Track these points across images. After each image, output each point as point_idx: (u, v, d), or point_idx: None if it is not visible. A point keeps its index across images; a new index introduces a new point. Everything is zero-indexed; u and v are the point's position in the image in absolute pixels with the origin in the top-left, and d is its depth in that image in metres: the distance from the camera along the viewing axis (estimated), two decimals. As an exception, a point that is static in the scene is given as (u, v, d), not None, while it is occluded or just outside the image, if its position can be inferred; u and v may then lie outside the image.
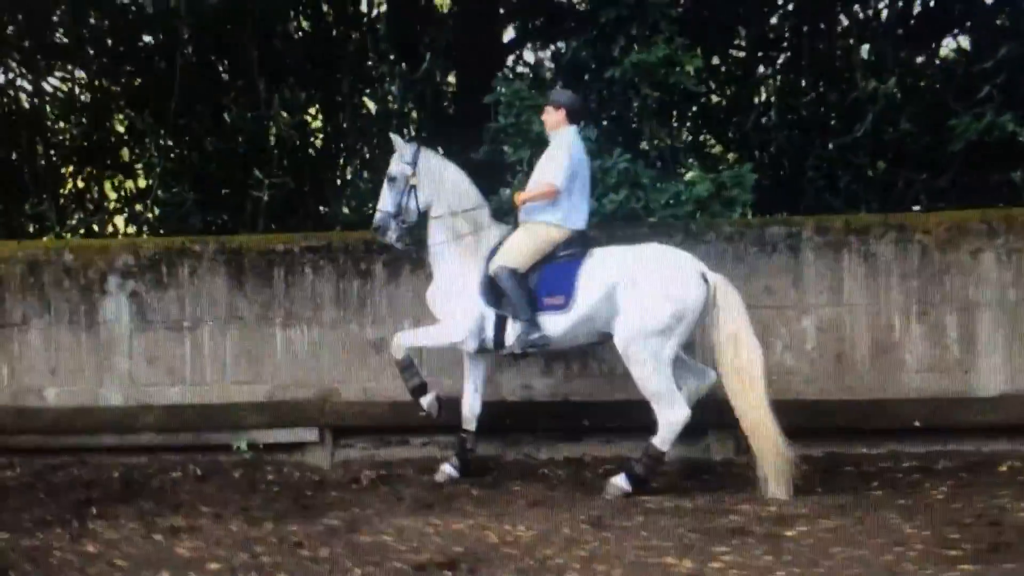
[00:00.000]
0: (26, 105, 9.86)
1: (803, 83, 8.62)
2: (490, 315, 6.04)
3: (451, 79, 9.34)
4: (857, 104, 7.81)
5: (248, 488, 6.28)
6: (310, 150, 9.14)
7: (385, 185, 6.25)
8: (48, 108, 9.70)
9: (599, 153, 7.33)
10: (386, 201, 6.20)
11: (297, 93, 8.22)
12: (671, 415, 5.70)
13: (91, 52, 9.63)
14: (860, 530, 4.87)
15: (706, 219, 6.79)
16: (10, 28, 9.58)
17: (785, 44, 9.03)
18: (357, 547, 4.91)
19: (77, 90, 9.77)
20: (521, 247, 5.99)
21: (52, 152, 9.60)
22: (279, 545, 4.99)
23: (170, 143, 8.99)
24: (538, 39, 9.48)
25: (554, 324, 5.90)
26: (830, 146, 7.85)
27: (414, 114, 8.91)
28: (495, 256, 6.02)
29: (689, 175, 7.74)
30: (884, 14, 9.12)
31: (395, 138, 6.35)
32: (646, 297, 5.70)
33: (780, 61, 9.05)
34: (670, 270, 5.80)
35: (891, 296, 6.53)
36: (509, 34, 9.69)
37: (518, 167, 7.29)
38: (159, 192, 8.55)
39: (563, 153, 6.01)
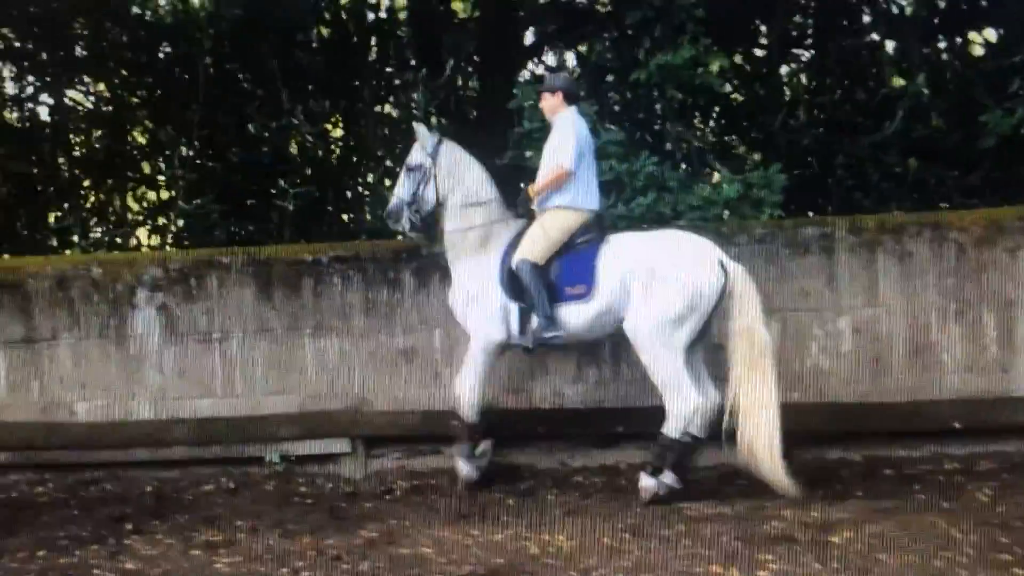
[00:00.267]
0: (47, 118, 9.92)
1: (828, 81, 8.55)
2: (514, 308, 5.98)
3: (473, 85, 9.29)
4: (886, 101, 7.73)
5: (282, 500, 6.25)
6: (332, 159, 9.13)
7: (403, 173, 6.26)
8: (70, 121, 9.73)
9: (625, 156, 7.29)
10: (402, 189, 6.20)
11: (321, 102, 8.18)
12: (680, 403, 5.63)
13: (112, 64, 9.66)
14: (907, 535, 4.80)
15: (737, 221, 6.72)
16: (30, 43, 9.62)
17: (809, 42, 8.93)
18: (397, 560, 4.87)
19: (98, 102, 9.79)
20: (539, 237, 5.94)
21: (74, 165, 9.63)
22: (318, 559, 4.96)
23: (191, 154, 9.00)
24: (558, 42, 9.42)
25: (577, 314, 5.85)
26: (859, 144, 7.74)
27: (435, 120, 8.84)
28: (516, 250, 5.97)
29: (716, 177, 7.69)
30: (909, 9, 9.06)
31: (418, 127, 6.36)
32: (661, 283, 5.63)
33: (805, 59, 8.95)
34: (688, 256, 5.74)
35: (927, 296, 6.44)
36: (528, 38, 9.64)
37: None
38: (182, 204, 8.53)
39: (568, 134, 5.95)
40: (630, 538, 5.01)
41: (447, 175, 6.16)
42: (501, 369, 6.64)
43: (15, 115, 9.75)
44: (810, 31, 9.30)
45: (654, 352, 5.66)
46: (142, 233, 9.79)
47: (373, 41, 9.14)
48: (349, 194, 9.10)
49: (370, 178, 9.29)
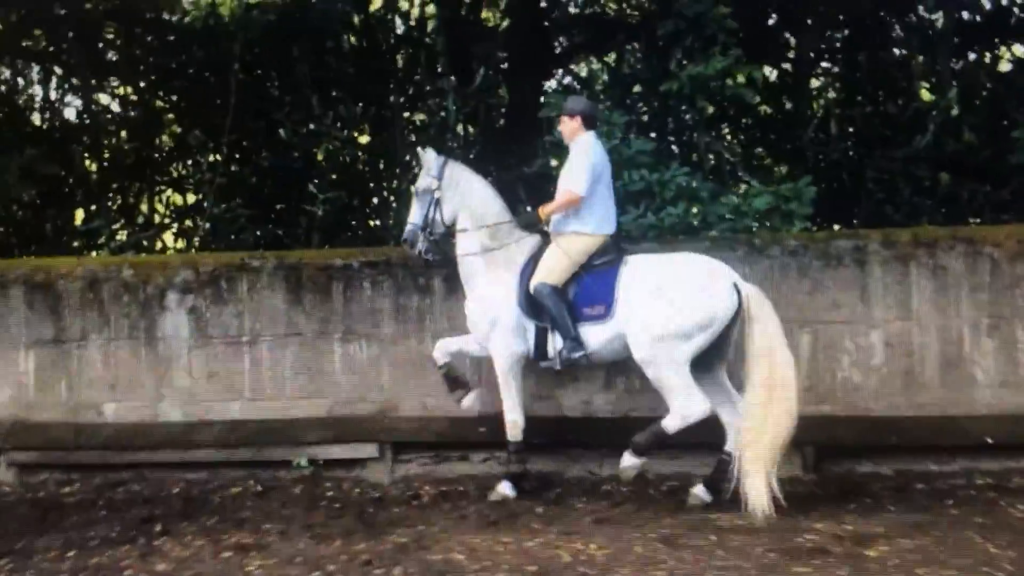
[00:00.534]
0: (74, 121, 10.00)
1: (858, 95, 8.53)
2: (530, 327, 6.01)
3: (502, 93, 9.31)
4: (917, 116, 7.71)
5: (310, 504, 6.24)
6: (360, 165, 9.16)
7: (414, 198, 6.31)
8: (99, 124, 9.79)
9: (656, 166, 7.30)
10: (415, 214, 6.24)
11: (352, 107, 8.22)
12: (686, 406, 5.63)
13: (141, 68, 9.74)
14: (943, 550, 4.75)
15: (770, 232, 6.70)
16: (63, 45, 9.69)
17: (840, 56, 8.92)
18: (428, 565, 4.84)
19: (127, 106, 9.86)
20: (557, 262, 5.96)
21: (102, 168, 9.69)
22: (350, 563, 4.94)
23: (218, 158, 9.05)
24: (586, 52, 9.44)
25: (596, 334, 5.88)
26: (890, 158, 7.72)
27: (462, 128, 8.88)
28: (534, 273, 5.98)
29: (743, 188, 7.68)
30: (939, 23, 9.05)
31: (422, 152, 6.41)
32: (673, 305, 5.65)
33: (835, 72, 8.94)
34: (702, 278, 5.76)
35: (960, 310, 6.40)
36: (557, 47, 9.66)
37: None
38: (208, 207, 8.57)
39: (583, 160, 5.97)
40: (663, 547, 4.97)
41: (454, 197, 6.20)
42: (530, 377, 6.67)
43: (46, 117, 9.82)
44: (839, 44, 9.28)
45: (659, 367, 5.69)
46: (168, 236, 9.87)
47: (402, 49, 9.14)
48: (376, 200, 9.11)
49: (396, 184, 9.33)
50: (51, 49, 9.94)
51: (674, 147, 8.32)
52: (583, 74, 9.35)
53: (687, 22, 7.37)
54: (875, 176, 7.79)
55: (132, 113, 9.59)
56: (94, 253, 8.87)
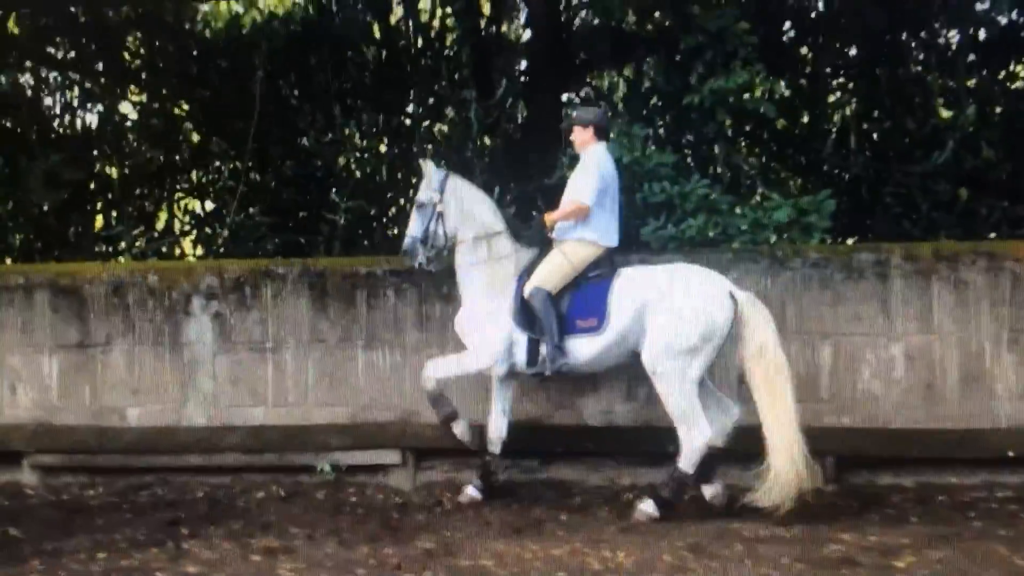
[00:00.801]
0: (96, 128, 10.05)
1: (876, 111, 8.60)
2: (521, 339, 6.09)
3: (522, 105, 9.38)
4: (936, 132, 7.78)
5: (334, 509, 6.28)
6: (379, 175, 9.22)
7: (414, 211, 6.37)
8: (120, 131, 9.85)
9: (676, 178, 7.36)
10: (414, 226, 6.31)
11: (374, 117, 8.29)
12: (694, 437, 5.72)
13: (164, 76, 9.81)
14: (970, 561, 4.79)
15: (792, 245, 6.75)
16: (87, 51, 9.76)
17: (856, 71, 9.00)
18: (458, 572, 4.89)
19: (148, 114, 9.92)
20: (556, 268, 6.03)
21: (123, 174, 9.75)
22: (379, 568, 4.98)
23: (237, 165, 9.12)
24: (605, 65, 9.52)
25: (588, 347, 5.96)
26: (909, 173, 7.79)
27: (486, 140, 8.95)
28: (530, 278, 6.06)
29: (761, 200, 7.72)
30: (954, 42, 9.13)
31: (424, 164, 6.47)
32: (675, 316, 5.74)
33: (852, 87, 9.00)
34: (699, 289, 5.84)
35: (981, 323, 6.45)
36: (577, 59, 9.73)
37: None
38: (230, 215, 8.63)
39: (592, 170, 6.06)
40: (691, 556, 5.01)
41: (455, 210, 6.27)
42: (548, 384, 6.72)
43: (66, 123, 9.89)
44: (855, 60, 9.35)
45: (670, 384, 5.77)
46: (187, 243, 9.91)
47: (423, 60, 9.22)
48: (394, 209, 9.17)
49: (415, 195, 9.38)
50: (73, 57, 9.99)
51: (690, 160, 8.37)
52: (603, 87, 9.40)
53: (709, 36, 7.44)
54: (893, 191, 7.85)
55: (154, 121, 9.62)
56: (120, 259, 8.93)
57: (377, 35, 9.48)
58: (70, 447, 7.02)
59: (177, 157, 9.72)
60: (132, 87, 10.09)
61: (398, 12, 9.44)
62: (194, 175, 9.82)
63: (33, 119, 9.49)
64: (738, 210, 7.26)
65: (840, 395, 6.54)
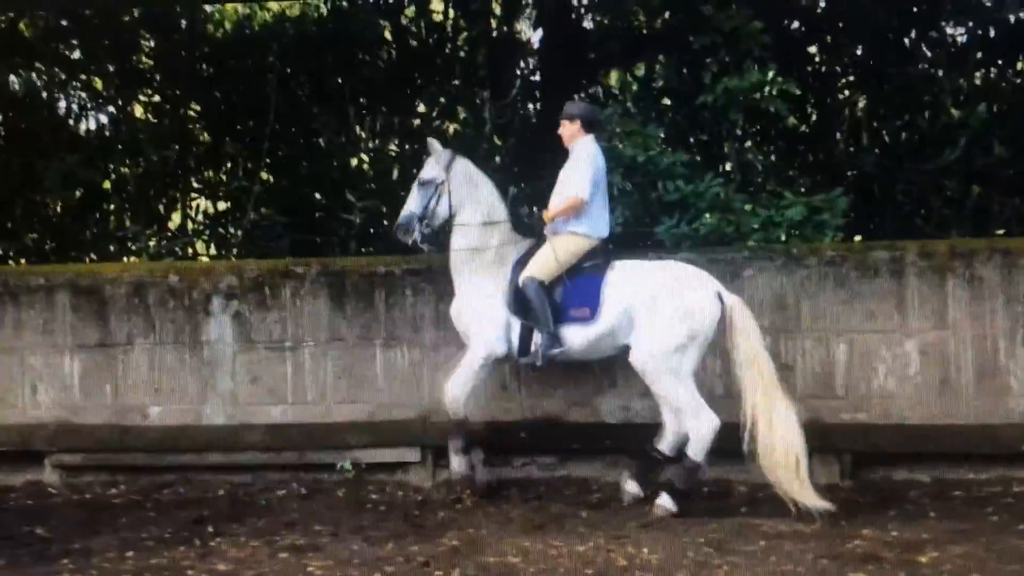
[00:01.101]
0: (109, 128, 10.10)
1: (884, 109, 8.66)
2: (515, 325, 6.16)
3: (535, 104, 9.43)
4: (947, 129, 7.83)
5: (356, 507, 6.33)
6: (391, 175, 9.26)
7: (415, 187, 6.40)
8: (133, 132, 9.89)
9: (690, 177, 7.42)
10: (414, 203, 6.34)
11: (390, 118, 8.34)
12: (699, 426, 5.81)
13: (175, 77, 9.84)
14: (992, 556, 4.85)
15: (808, 243, 6.82)
16: (100, 51, 9.79)
17: (865, 70, 9.04)
18: (486, 568, 4.94)
19: (161, 115, 9.95)
20: (550, 259, 6.11)
21: (137, 175, 9.79)
22: (407, 565, 5.04)
23: (249, 166, 9.17)
24: (617, 65, 9.56)
25: (580, 336, 6.05)
26: (921, 171, 7.85)
27: (498, 140, 8.99)
28: (524, 267, 6.14)
29: (774, 197, 7.78)
30: (961, 39, 9.19)
31: (431, 142, 6.51)
32: (664, 314, 5.84)
33: (862, 85, 9.05)
34: (688, 288, 5.93)
35: (996, 320, 6.51)
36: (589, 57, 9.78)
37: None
38: (247, 214, 8.67)
39: (584, 164, 6.12)
40: (714, 553, 5.07)
41: (459, 191, 6.32)
42: (566, 381, 6.79)
43: (80, 124, 9.93)
44: (864, 58, 9.40)
45: (663, 381, 5.88)
46: (201, 243, 9.96)
47: (435, 60, 9.27)
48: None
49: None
50: (85, 58, 10.03)
51: (698, 158, 8.42)
52: (614, 86, 9.44)
53: (723, 36, 7.49)
54: (905, 188, 7.91)
55: (167, 122, 9.66)
56: (131, 259, 8.99)
57: (388, 36, 9.51)
58: (92, 446, 7.06)
59: (190, 158, 9.75)
60: (145, 88, 10.10)
61: (410, 12, 9.46)
62: (207, 175, 9.85)
63: (48, 120, 9.53)
64: (748, 207, 7.33)
65: (856, 392, 6.60)
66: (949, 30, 9.27)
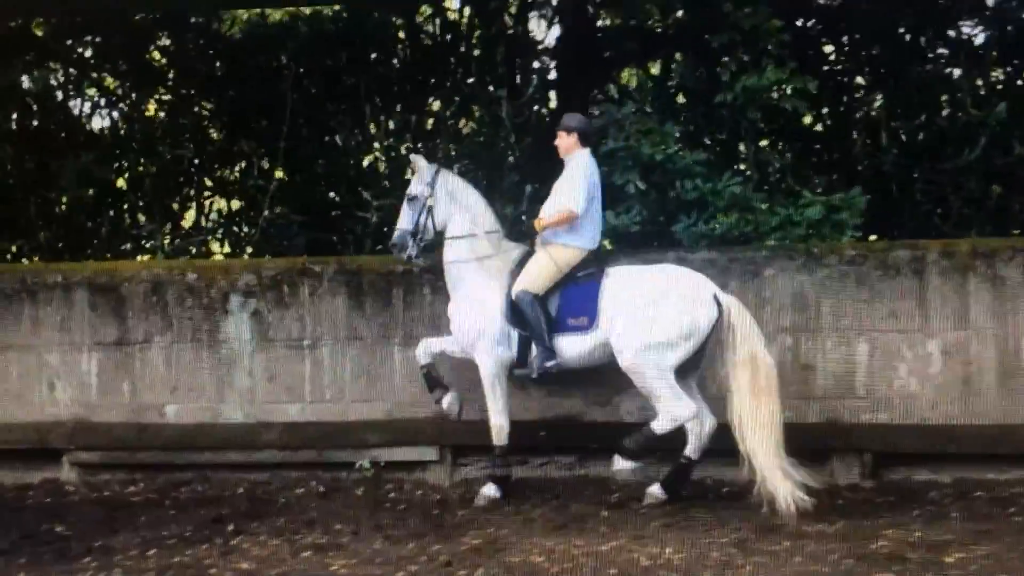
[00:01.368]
0: (123, 126, 10.10)
1: (902, 108, 8.62)
2: (513, 335, 6.19)
3: (551, 103, 9.41)
4: (967, 128, 7.80)
5: (375, 506, 6.34)
6: (406, 173, 9.25)
7: (404, 204, 6.46)
8: (147, 130, 9.89)
9: (708, 176, 7.39)
10: (405, 220, 6.41)
11: (405, 116, 8.33)
12: (675, 409, 5.88)
13: (189, 75, 9.84)
14: (1018, 556, 4.82)
15: (828, 242, 6.79)
16: (114, 49, 9.79)
17: (882, 69, 9.00)
18: (511, 568, 4.92)
19: (175, 113, 9.95)
20: (542, 271, 6.14)
21: (151, 173, 9.79)
22: (430, 564, 5.03)
23: (264, 164, 9.16)
24: (631, 63, 9.54)
25: (578, 345, 6.09)
26: (940, 170, 7.82)
27: (514, 138, 8.97)
28: (516, 280, 6.15)
29: (793, 197, 7.76)
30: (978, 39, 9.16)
31: (415, 158, 6.57)
32: (658, 315, 5.86)
33: (879, 84, 9.02)
34: (684, 290, 5.96)
35: (1019, 320, 6.46)
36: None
37: (626, 189, 7.34)
38: (263, 213, 8.67)
39: (579, 177, 6.16)
40: (738, 553, 5.04)
41: (445, 204, 6.37)
42: (585, 381, 6.77)
43: (95, 122, 9.95)
44: (880, 57, 9.36)
45: (644, 375, 5.92)
46: (215, 242, 9.96)
47: (450, 58, 9.26)
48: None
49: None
50: (99, 57, 10.03)
51: (711, 156, 8.40)
52: (630, 84, 9.41)
53: (741, 34, 7.46)
54: (924, 188, 7.88)
55: (182, 121, 9.66)
56: (145, 257, 8.99)
57: (403, 34, 9.50)
58: (109, 444, 7.09)
59: (204, 156, 9.75)
60: (159, 87, 10.10)
61: (425, 11, 9.45)
62: (221, 174, 9.84)
63: (63, 119, 9.53)
64: (763, 205, 7.31)
65: (877, 392, 6.57)
66: (966, 29, 9.25)
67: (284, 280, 7.09)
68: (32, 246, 9.33)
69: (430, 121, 9.24)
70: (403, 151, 9.20)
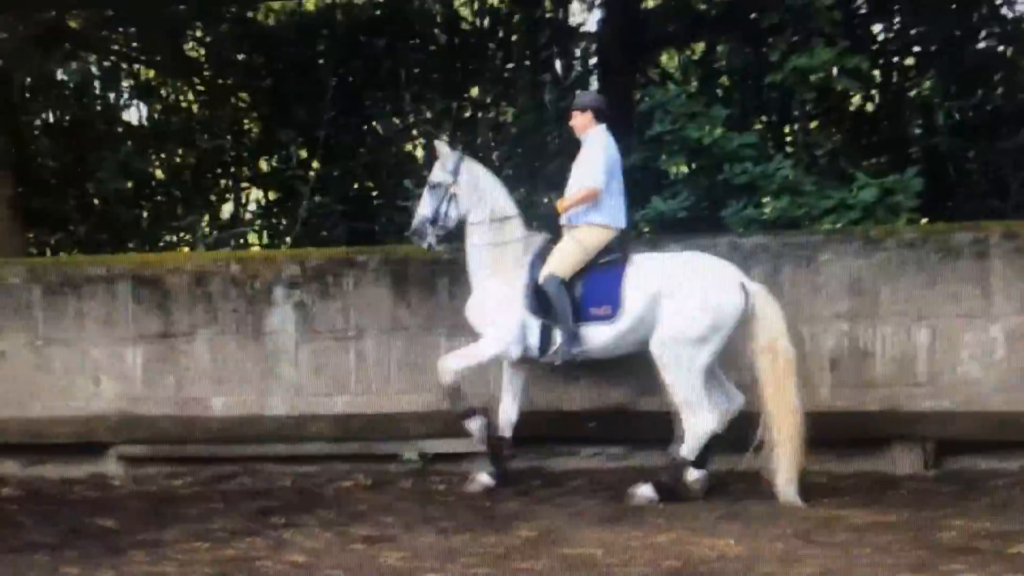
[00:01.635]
0: (160, 118, 10.09)
1: (956, 88, 8.41)
2: (534, 324, 6.06)
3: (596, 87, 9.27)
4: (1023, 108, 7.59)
5: (423, 498, 6.24)
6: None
7: (426, 191, 6.36)
8: (185, 121, 9.88)
9: (759, 159, 7.24)
10: (426, 207, 6.31)
11: (446, 103, 8.23)
12: (697, 424, 5.76)
13: (226, 65, 9.81)
14: (1092, 547, 4.66)
15: (886, 225, 6.61)
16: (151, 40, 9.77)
17: (937, 48, 8.78)
18: (569, 560, 4.79)
19: (214, 104, 9.92)
20: (569, 253, 6.01)
21: (189, 164, 9.78)
22: (485, 556, 4.91)
23: (303, 154, 9.11)
24: (674, 45, 9.37)
25: (602, 335, 5.95)
26: (997, 151, 7.61)
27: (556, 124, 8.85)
28: (544, 264, 6.03)
29: (848, 179, 7.58)
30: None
31: (438, 145, 6.47)
32: (686, 305, 5.73)
33: (931, 64, 8.80)
34: (711, 279, 5.83)
35: (1085, 303, 6.28)
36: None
37: (674, 174, 7.22)
38: (304, 203, 8.61)
39: (598, 154, 6.02)
40: (800, 544, 4.89)
41: (468, 192, 6.27)
42: (635, 370, 6.62)
43: (132, 113, 9.95)
44: (929, 34, 9.14)
45: (677, 372, 5.78)
46: (252, 233, 9.93)
47: (490, 44, 9.14)
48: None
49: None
50: (136, 48, 10.01)
51: (762, 140, 8.23)
52: (673, 66, 9.27)
53: (792, 14, 7.28)
54: (980, 168, 7.66)
55: (219, 112, 9.62)
56: (185, 249, 8.96)
57: (441, 20, 9.40)
58: (154, 438, 7.04)
59: (241, 147, 9.71)
60: (195, 79, 10.08)
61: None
62: (259, 165, 9.81)
63: (99, 111, 9.52)
64: (814, 189, 7.14)
65: (938, 378, 6.39)
66: (1020, 7, 9.03)
67: (328, 271, 7.00)
68: (72, 239, 9.34)
69: (465, 107, 9.10)
70: (443, 138, 9.12)
